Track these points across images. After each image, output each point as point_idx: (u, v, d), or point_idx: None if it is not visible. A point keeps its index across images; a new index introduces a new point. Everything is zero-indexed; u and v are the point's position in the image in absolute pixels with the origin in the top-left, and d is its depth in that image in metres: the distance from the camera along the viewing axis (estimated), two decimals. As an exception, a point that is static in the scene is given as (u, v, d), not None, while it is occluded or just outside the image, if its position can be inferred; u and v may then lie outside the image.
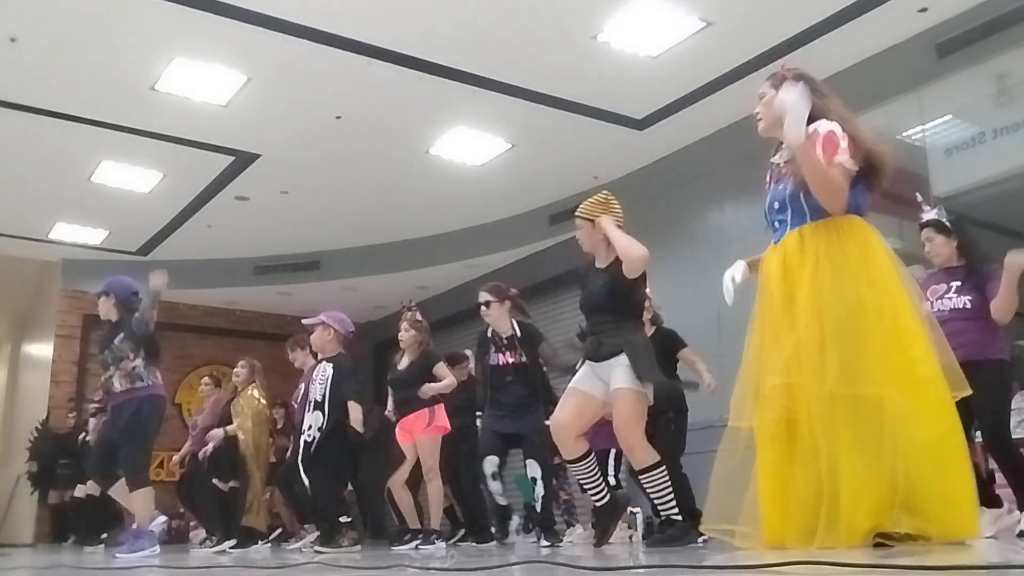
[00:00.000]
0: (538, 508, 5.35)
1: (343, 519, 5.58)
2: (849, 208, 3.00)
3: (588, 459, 4.17)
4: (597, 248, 4.23)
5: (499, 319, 5.46)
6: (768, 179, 3.20)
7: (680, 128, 7.19)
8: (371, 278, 10.49)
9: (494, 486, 5.53)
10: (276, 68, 6.42)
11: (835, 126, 2.99)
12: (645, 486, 4.15)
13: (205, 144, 7.65)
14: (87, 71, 6.45)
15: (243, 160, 8.00)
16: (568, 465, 4.33)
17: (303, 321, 5.99)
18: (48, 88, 6.69)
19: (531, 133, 7.47)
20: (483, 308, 5.50)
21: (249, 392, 7.10)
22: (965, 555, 2.61)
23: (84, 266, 10.67)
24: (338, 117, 7.14)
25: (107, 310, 5.47)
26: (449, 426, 5.86)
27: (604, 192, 4.34)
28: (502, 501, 5.70)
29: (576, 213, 4.27)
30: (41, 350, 11.43)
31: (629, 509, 5.73)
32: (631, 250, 4.00)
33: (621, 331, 4.08)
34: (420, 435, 5.75)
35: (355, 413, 5.63)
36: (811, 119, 3.01)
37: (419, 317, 6.13)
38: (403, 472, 5.97)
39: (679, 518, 4.18)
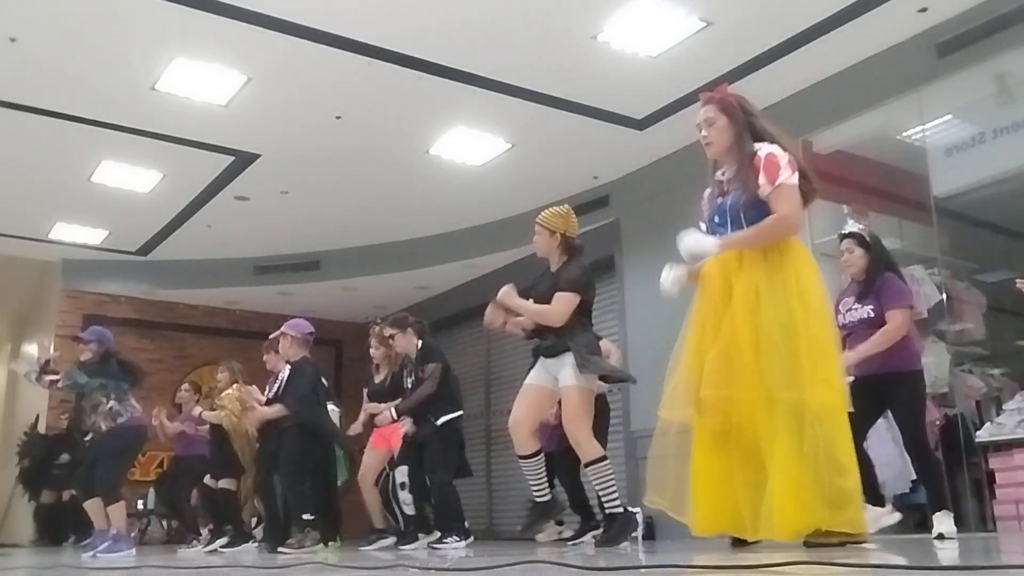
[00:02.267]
0: (410, 512, 6.13)
1: (305, 516, 5.85)
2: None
3: (538, 456, 4.52)
4: (551, 254, 4.66)
5: (407, 347, 6.25)
6: (707, 196, 3.48)
7: (680, 128, 7.16)
8: (371, 278, 10.49)
9: (403, 496, 6.18)
10: (276, 68, 6.42)
11: (775, 148, 3.25)
12: (592, 478, 4.45)
13: (205, 144, 7.65)
14: (87, 71, 6.45)
15: (243, 160, 7.99)
16: (520, 460, 4.61)
17: (270, 336, 6.48)
18: (48, 88, 6.69)
19: (531, 133, 7.47)
20: (390, 340, 6.30)
21: (228, 392, 7.18)
22: (965, 555, 2.61)
23: (84, 266, 10.67)
24: (338, 117, 7.14)
25: (87, 355, 6.47)
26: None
27: (567, 207, 4.78)
28: (408, 511, 6.21)
29: (537, 220, 4.71)
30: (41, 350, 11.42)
31: (627, 508, 5.82)
32: (546, 317, 4.43)
33: (569, 329, 4.41)
34: (397, 444, 6.28)
35: (272, 412, 6.10)
36: (756, 139, 3.32)
37: (387, 332, 6.56)
38: (373, 475, 6.46)
39: (620, 511, 4.48)
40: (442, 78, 6.50)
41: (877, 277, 4.53)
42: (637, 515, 5.91)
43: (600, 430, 5.36)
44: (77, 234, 9.82)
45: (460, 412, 6.17)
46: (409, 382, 6.21)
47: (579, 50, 6.18)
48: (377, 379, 6.72)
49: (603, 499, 4.47)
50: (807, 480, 2.90)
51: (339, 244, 10.20)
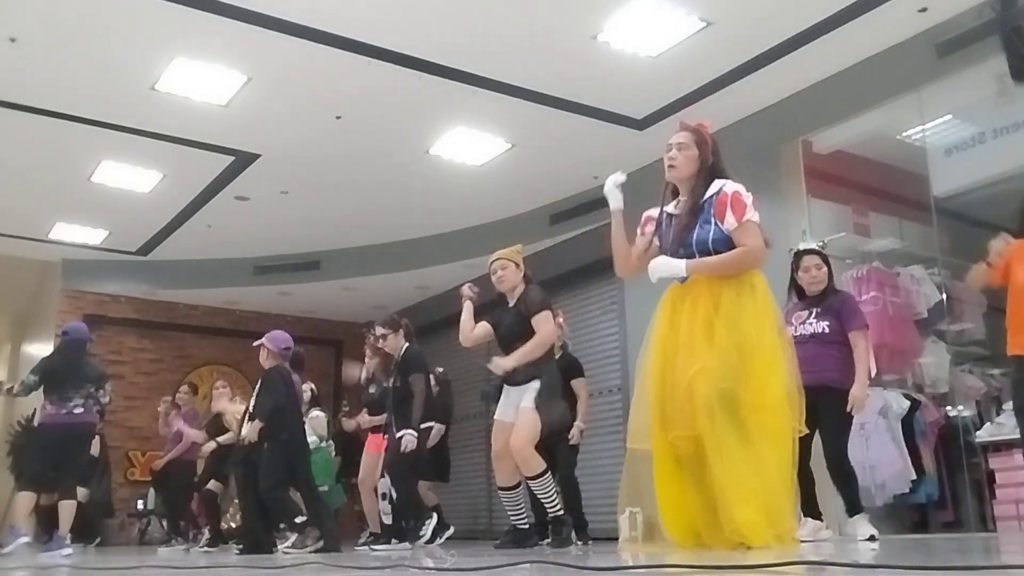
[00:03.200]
0: (388, 520, 6.29)
1: (299, 520, 5.92)
2: None
3: (518, 489, 4.97)
4: (515, 286, 5.11)
5: (396, 348, 6.27)
6: (663, 224, 3.65)
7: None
8: (371, 278, 10.49)
9: (382, 505, 6.36)
10: (276, 68, 6.42)
11: (740, 187, 3.46)
12: (535, 490, 4.87)
13: (205, 144, 7.65)
14: (87, 71, 6.45)
15: (243, 160, 7.99)
16: (500, 492, 5.07)
17: (254, 344, 6.52)
18: (48, 88, 6.69)
19: (531, 133, 7.46)
20: (380, 341, 6.33)
21: (233, 407, 7.38)
22: (964, 554, 2.61)
23: (84, 266, 10.67)
24: (338, 117, 7.14)
25: None
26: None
27: (519, 245, 5.40)
28: (387, 520, 6.38)
29: (502, 256, 5.20)
30: (41, 350, 11.40)
31: (629, 509, 5.86)
32: (542, 345, 4.89)
33: (535, 360, 4.85)
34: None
35: (252, 434, 6.10)
36: (715, 177, 3.52)
37: (379, 331, 6.57)
38: (372, 478, 6.55)
39: (562, 514, 4.99)
40: (442, 78, 6.50)
41: (832, 295, 4.73)
42: (637, 515, 5.98)
43: (570, 464, 6.07)
44: (77, 234, 9.82)
45: (432, 424, 6.44)
46: (388, 382, 6.33)
47: (579, 50, 6.18)
48: (371, 389, 6.87)
49: (547, 507, 4.95)
50: (755, 495, 3.08)
51: (339, 244, 10.20)
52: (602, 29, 5.94)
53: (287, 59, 6.25)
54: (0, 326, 13.22)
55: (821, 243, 5.14)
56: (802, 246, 5.01)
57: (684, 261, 3.40)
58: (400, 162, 7.98)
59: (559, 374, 5.16)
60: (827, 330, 4.59)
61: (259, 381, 6.34)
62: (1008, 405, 5.56)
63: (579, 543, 5.57)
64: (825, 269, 4.77)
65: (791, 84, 6.55)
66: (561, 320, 6.16)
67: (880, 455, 5.70)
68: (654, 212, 3.76)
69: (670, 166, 3.60)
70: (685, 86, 6.68)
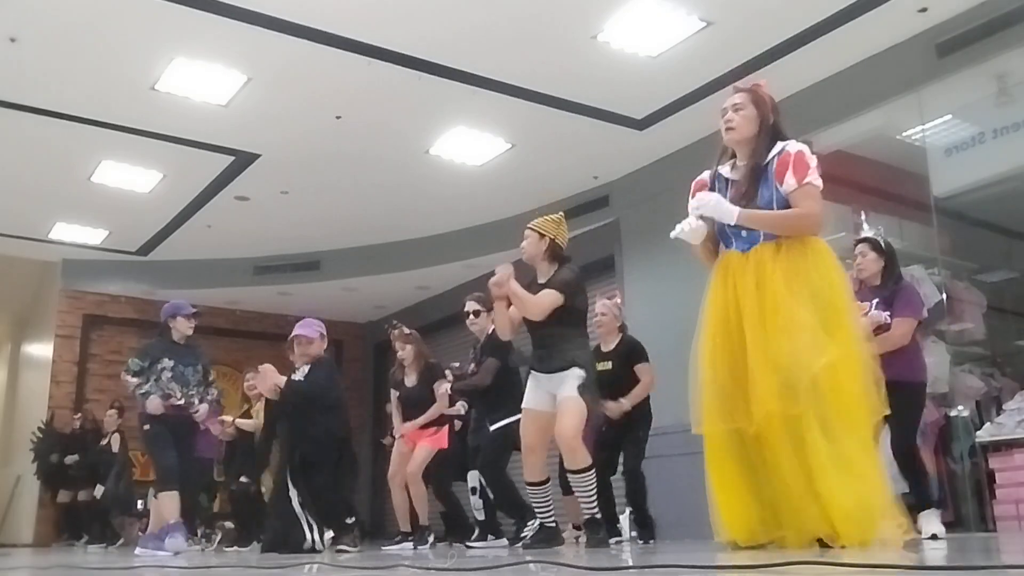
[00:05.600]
0: (480, 516, 5.97)
1: (348, 521, 5.54)
2: None
3: (547, 484, 4.63)
4: (537, 261, 4.68)
5: (484, 329, 5.87)
6: (707, 183, 3.39)
7: (680, 128, 7.19)
8: (371, 278, 10.49)
9: (474, 500, 6.01)
10: (276, 68, 6.42)
11: (804, 147, 3.20)
12: (575, 483, 4.49)
13: (205, 144, 7.65)
14: (87, 71, 6.45)
15: (243, 160, 7.99)
16: (528, 487, 4.68)
17: (294, 334, 6.05)
18: (48, 88, 6.69)
19: (531, 133, 7.46)
20: (471, 317, 5.92)
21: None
22: (964, 554, 2.61)
23: (84, 266, 10.67)
24: (338, 117, 7.14)
25: (190, 331, 6.25)
26: (447, 444, 6.19)
27: (560, 215, 4.83)
28: (479, 516, 6.03)
29: (529, 225, 4.74)
30: (41, 350, 11.43)
31: (628, 510, 5.83)
32: (527, 305, 4.44)
33: (568, 345, 4.48)
34: (421, 442, 6.10)
35: (270, 393, 5.77)
36: (777, 139, 3.24)
37: (406, 330, 6.38)
38: (402, 474, 6.17)
39: (599, 516, 4.56)
40: (442, 78, 6.50)
41: (893, 283, 4.60)
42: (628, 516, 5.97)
43: (638, 456, 5.57)
44: (77, 234, 9.83)
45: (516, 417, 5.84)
46: (471, 367, 5.98)
47: (579, 50, 6.17)
48: (408, 382, 6.31)
49: (584, 505, 4.55)
50: (832, 487, 2.83)
51: (339, 244, 10.20)
52: (602, 29, 5.93)
53: (287, 59, 6.25)
54: (0, 326, 13.22)
55: (877, 230, 4.99)
56: (862, 234, 4.88)
57: (737, 208, 3.13)
58: (400, 162, 7.98)
59: (592, 356, 4.76)
60: (889, 320, 4.45)
61: (306, 368, 5.83)
62: (1008, 405, 5.56)
63: (641, 542, 5.38)
64: (871, 256, 4.65)
65: (791, 84, 6.54)
66: (618, 300, 5.88)
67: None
68: (707, 176, 3.45)
69: (728, 128, 3.30)
70: (685, 86, 6.68)
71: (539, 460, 4.58)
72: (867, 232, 4.86)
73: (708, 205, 3.19)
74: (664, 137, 7.40)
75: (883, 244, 4.73)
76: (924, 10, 5.70)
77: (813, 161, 3.17)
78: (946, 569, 2.00)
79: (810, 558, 2.29)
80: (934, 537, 4.25)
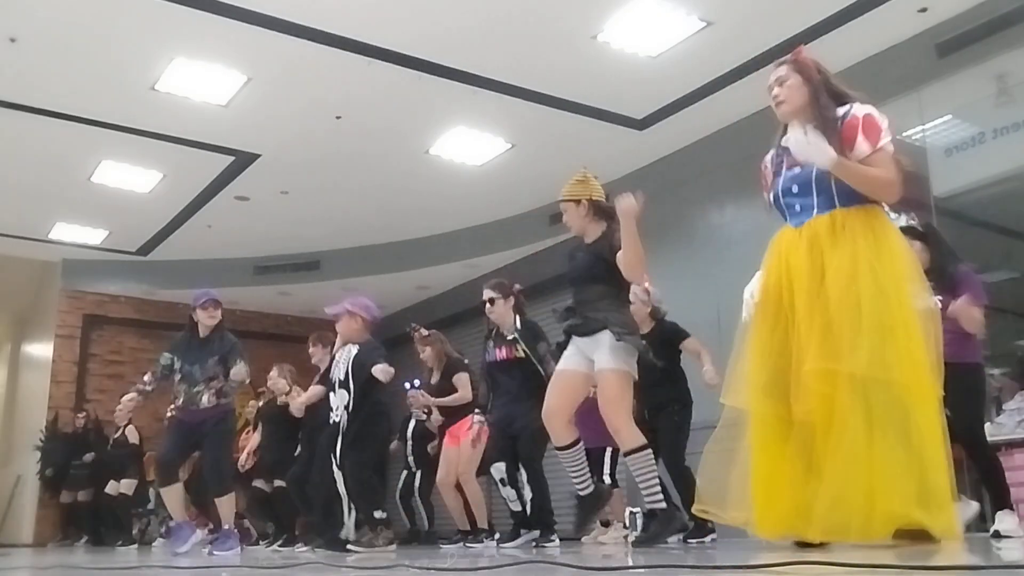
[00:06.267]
0: (527, 510, 5.42)
1: (378, 514, 5.23)
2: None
3: (577, 447, 4.17)
4: (585, 227, 4.27)
5: (504, 316, 5.51)
6: (773, 164, 3.13)
7: (680, 128, 7.19)
8: (371, 278, 10.48)
9: (506, 492, 5.51)
10: (276, 68, 6.42)
11: (871, 108, 3.00)
12: (631, 468, 4.09)
13: (205, 144, 7.65)
14: (87, 71, 6.45)
15: (243, 160, 8.00)
16: (557, 452, 4.28)
17: (326, 310, 5.82)
18: (48, 88, 6.69)
19: (531, 133, 7.46)
20: (488, 305, 5.54)
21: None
22: (965, 555, 2.61)
23: (84, 266, 10.67)
24: (338, 117, 7.14)
25: (211, 320, 6.05)
26: (486, 436, 5.72)
27: (583, 170, 4.41)
28: (515, 507, 5.54)
29: (559, 198, 4.34)
30: (41, 350, 11.43)
31: (629, 509, 5.77)
32: (635, 262, 3.94)
33: (604, 304, 4.06)
34: (463, 440, 5.82)
35: (381, 373, 5.24)
36: (840, 103, 3.04)
37: (424, 332, 6.34)
38: (451, 475, 5.96)
39: (662, 506, 4.17)
40: (442, 78, 6.50)
41: (950, 268, 4.32)
42: (636, 515, 5.92)
43: (673, 447, 5.20)
44: (77, 234, 9.83)
45: None
46: (499, 353, 5.52)
47: (579, 50, 6.18)
48: (433, 380, 6.31)
49: (644, 493, 4.14)
50: (901, 472, 2.63)
51: (339, 244, 10.21)
52: (602, 29, 5.94)
53: (287, 59, 6.26)
54: (0, 326, 13.23)
55: (910, 217, 4.77)
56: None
57: (833, 152, 2.84)
58: (400, 162, 7.98)
59: (631, 317, 4.31)
60: (940, 306, 4.06)
61: (353, 348, 5.52)
62: (1008, 405, 5.55)
63: (691, 541, 4.95)
64: (918, 246, 4.24)
65: (791, 84, 6.55)
66: (647, 284, 5.35)
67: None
68: (768, 158, 3.18)
69: (777, 104, 3.09)
70: (685, 86, 6.68)
71: (562, 422, 4.14)
72: (902, 221, 4.46)
73: (801, 143, 2.89)
74: (664, 137, 7.40)
75: (922, 229, 4.44)
76: (924, 10, 5.71)
77: (885, 122, 3.00)
78: (946, 569, 2.00)
79: (810, 558, 2.29)
80: (996, 535, 4.02)
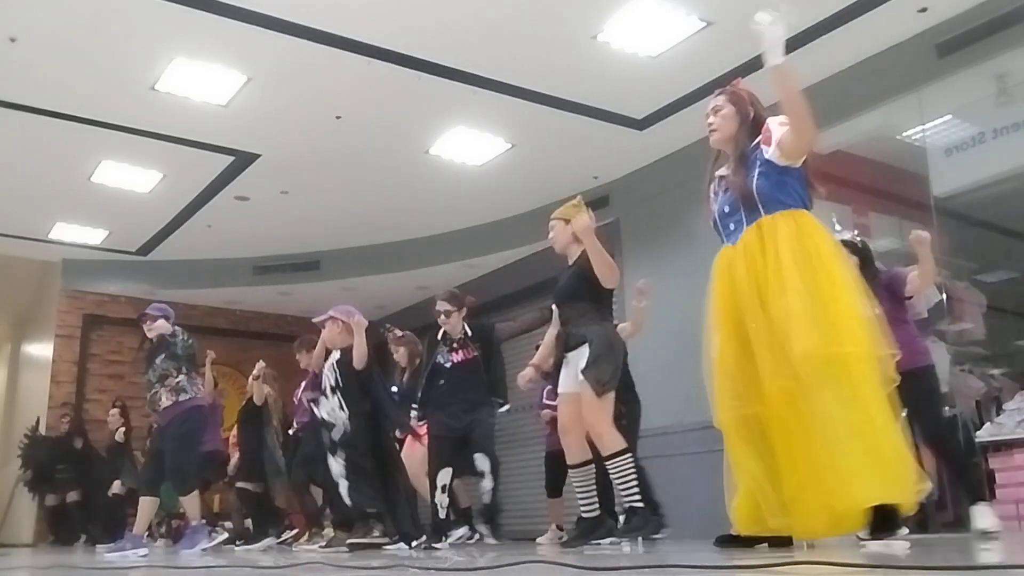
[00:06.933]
0: (486, 500, 5.62)
1: (369, 509, 5.32)
2: (796, 203, 3.16)
3: (588, 466, 4.41)
4: (567, 246, 4.61)
5: (456, 325, 5.81)
6: (711, 191, 3.39)
7: (680, 128, 7.19)
8: (371, 278, 10.49)
9: (440, 499, 5.56)
10: (276, 68, 6.42)
11: (781, 117, 3.21)
12: (611, 472, 4.30)
13: (205, 144, 7.65)
14: (87, 71, 6.44)
15: (243, 160, 7.99)
16: (570, 469, 4.49)
17: (313, 320, 5.96)
18: (48, 88, 6.69)
19: (531, 133, 7.47)
20: (443, 317, 5.82)
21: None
22: (964, 554, 2.61)
23: (84, 266, 10.67)
24: (338, 117, 7.14)
25: (157, 331, 6.20)
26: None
27: (579, 198, 4.69)
28: (442, 514, 5.62)
29: (552, 216, 4.67)
30: (41, 350, 11.43)
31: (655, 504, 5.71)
32: (607, 269, 4.31)
33: (586, 320, 4.38)
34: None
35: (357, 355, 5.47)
36: (758, 123, 3.30)
37: (398, 333, 6.56)
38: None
39: (640, 506, 4.35)
40: (442, 78, 6.50)
41: (873, 279, 4.48)
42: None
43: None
44: (77, 234, 9.83)
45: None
46: (454, 357, 5.75)
47: (579, 50, 6.18)
48: (405, 379, 6.64)
49: (623, 494, 4.33)
50: (859, 454, 2.75)
51: (339, 244, 10.21)
52: (602, 29, 5.94)
53: (287, 59, 6.25)
54: (0, 326, 13.22)
55: (854, 233, 4.93)
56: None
57: (782, 53, 3.12)
58: (400, 162, 7.98)
59: (618, 336, 4.63)
60: (880, 312, 4.44)
61: (338, 352, 5.67)
62: (1008, 405, 5.56)
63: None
64: (853, 260, 4.43)
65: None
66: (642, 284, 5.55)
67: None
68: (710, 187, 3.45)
69: (711, 131, 3.40)
70: (685, 86, 6.68)
71: (576, 440, 4.37)
72: (843, 235, 4.81)
73: (767, 26, 3.23)
74: (664, 137, 7.40)
75: (859, 245, 4.66)
76: (924, 10, 5.70)
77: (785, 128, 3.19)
78: (946, 569, 2.00)
79: (810, 558, 2.29)
80: (983, 533, 4.08)
